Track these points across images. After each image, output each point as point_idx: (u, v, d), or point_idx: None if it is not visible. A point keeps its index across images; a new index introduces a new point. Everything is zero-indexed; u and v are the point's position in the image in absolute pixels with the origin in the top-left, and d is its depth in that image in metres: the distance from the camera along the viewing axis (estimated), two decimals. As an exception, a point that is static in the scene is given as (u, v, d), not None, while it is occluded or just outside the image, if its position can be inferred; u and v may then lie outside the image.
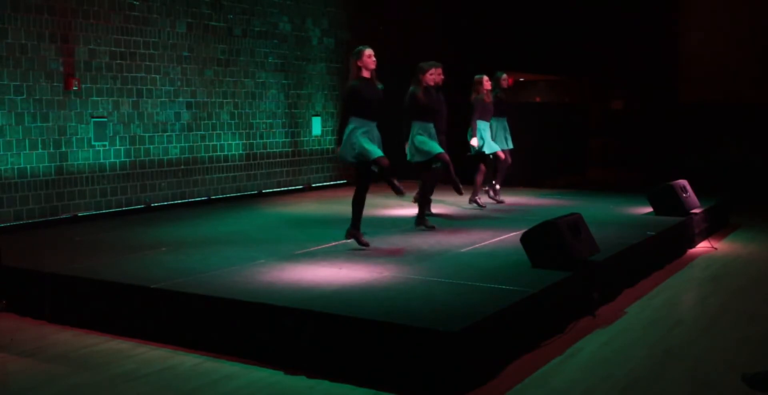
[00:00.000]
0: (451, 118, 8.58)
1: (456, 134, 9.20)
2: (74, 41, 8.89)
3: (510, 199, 10.02)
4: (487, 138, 9.38)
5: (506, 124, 9.94)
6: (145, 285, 5.43)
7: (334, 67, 12.71)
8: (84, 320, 5.63)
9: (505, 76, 9.95)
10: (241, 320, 4.98)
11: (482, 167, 9.53)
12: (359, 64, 6.69)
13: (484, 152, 9.37)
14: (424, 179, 8.08)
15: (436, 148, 7.75)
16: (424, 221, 7.85)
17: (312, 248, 6.83)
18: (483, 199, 9.57)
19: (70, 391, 4.42)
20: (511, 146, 9.93)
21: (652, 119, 15.03)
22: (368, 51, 6.72)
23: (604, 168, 15.98)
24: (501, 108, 9.79)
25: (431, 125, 7.86)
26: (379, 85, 6.77)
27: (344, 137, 6.62)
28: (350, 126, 6.62)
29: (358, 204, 6.79)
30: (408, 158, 7.93)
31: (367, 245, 6.80)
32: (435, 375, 4.27)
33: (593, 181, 14.43)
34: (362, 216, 6.83)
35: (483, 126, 9.35)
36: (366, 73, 6.71)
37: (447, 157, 7.76)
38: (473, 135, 9.21)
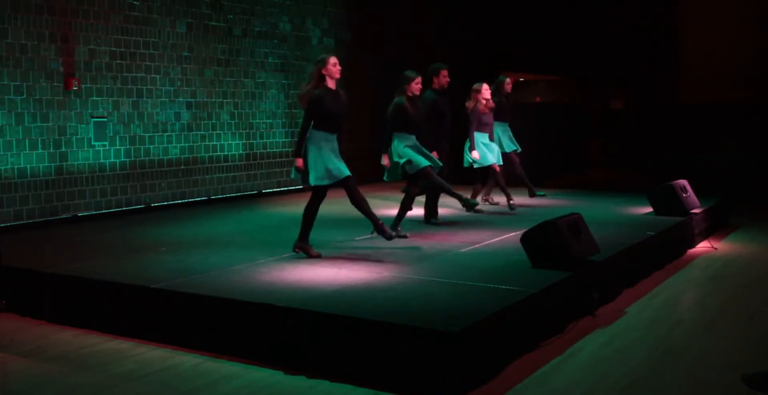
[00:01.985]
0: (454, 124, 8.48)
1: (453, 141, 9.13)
2: (74, 41, 8.89)
3: (496, 198, 10.00)
4: (483, 151, 9.07)
5: (508, 128, 9.78)
6: (145, 285, 5.43)
7: (334, 67, 12.69)
8: (84, 320, 5.63)
9: (508, 80, 9.72)
10: (241, 320, 4.98)
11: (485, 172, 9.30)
12: (323, 72, 6.38)
13: (482, 164, 9.08)
14: (410, 189, 7.67)
15: (423, 161, 7.40)
16: (396, 228, 7.42)
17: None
18: (481, 204, 9.35)
19: (70, 391, 4.42)
20: (511, 149, 9.76)
21: (652, 119, 15.03)
22: (333, 59, 6.44)
23: (604, 168, 15.98)
24: (505, 113, 9.63)
25: (414, 137, 7.48)
26: (342, 91, 6.49)
27: (307, 153, 6.31)
28: (311, 140, 6.33)
29: (309, 216, 6.53)
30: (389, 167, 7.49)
31: (318, 256, 6.48)
32: (435, 375, 4.27)
33: (593, 181, 14.42)
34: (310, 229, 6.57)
35: (480, 138, 9.06)
36: (330, 83, 6.42)
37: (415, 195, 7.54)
38: (472, 148, 8.93)
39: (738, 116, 13.78)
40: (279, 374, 4.65)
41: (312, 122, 6.35)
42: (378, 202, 9.72)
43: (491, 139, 9.37)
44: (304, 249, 6.52)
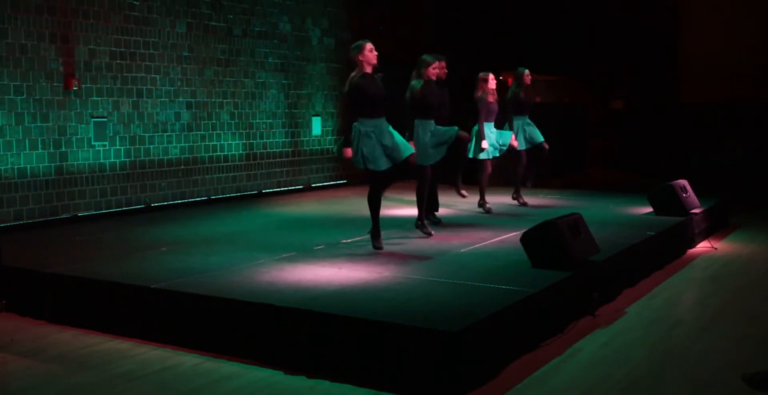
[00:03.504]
0: (452, 116, 8.38)
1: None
2: (74, 41, 8.89)
3: (510, 199, 9.98)
4: (492, 142, 8.92)
5: (529, 121, 9.58)
6: (145, 285, 5.43)
7: (334, 67, 12.71)
8: (84, 320, 5.63)
9: (527, 71, 9.54)
10: (241, 320, 4.98)
11: (487, 168, 9.06)
12: (361, 58, 6.50)
13: (486, 156, 8.92)
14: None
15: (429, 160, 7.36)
16: (423, 225, 7.46)
17: (312, 248, 6.83)
18: (489, 205, 9.18)
19: (70, 391, 4.42)
20: (524, 146, 9.54)
21: (652, 119, 15.04)
22: (369, 45, 6.53)
23: (604, 168, 15.98)
24: (524, 106, 9.49)
25: (432, 122, 7.47)
26: (379, 74, 6.57)
27: (352, 139, 6.43)
28: (357, 127, 6.44)
29: (372, 205, 6.65)
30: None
31: (380, 248, 6.66)
32: (435, 375, 4.27)
33: (593, 181, 14.43)
34: (378, 218, 6.68)
35: (487, 127, 8.90)
36: (368, 68, 6.52)
37: (428, 171, 7.37)
38: (481, 137, 8.75)
39: (738, 115, 13.79)
40: (279, 374, 4.65)
41: (355, 109, 6.43)
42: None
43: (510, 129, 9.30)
44: (373, 236, 6.67)
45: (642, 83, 15.17)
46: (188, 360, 4.89)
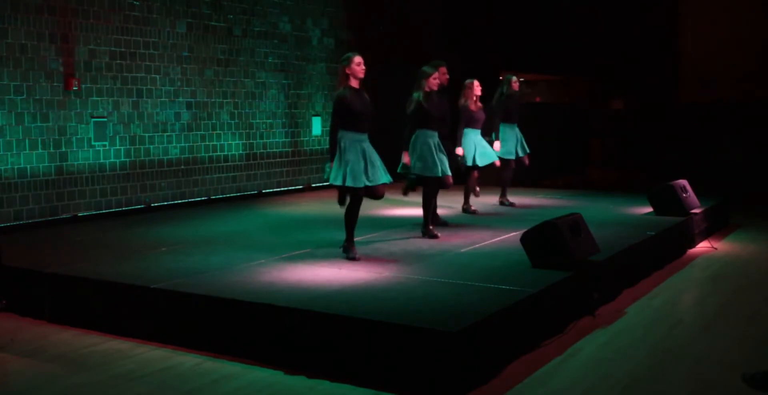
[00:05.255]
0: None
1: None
2: (74, 41, 8.89)
3: (511, 199, 9.97)
4: (481, 148, 8.88)
5: (518, 130, 9.55)
6: (145, 285, 5.43)
7: (334, 67, 12.69)
8: (84, 320, 5.63)
9: (515, 78, 9.50)
10: (241, 320, 4.98)
11: (474, 174, 9.04)
12: (347, 71, 6.32)
13: (476, 164, 8.87)
14: (425, 191, 7.58)
15: (445, 169, 7.31)
16: (428, 230, 7.43)
17: (312, 249, 6.83)
18: (475, 206, 9.21)
19: (70, 391, 4.43)
20: (520, 154, 9.56)
21: (652, 119, 15.05)
22: (358, 58, 6.33)
23: (604, 168, 16.00)
24: (512, 113, 9.46)
25: (436, 134, 7.38)
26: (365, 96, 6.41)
27: (337, 155, 6.29)
28: (340, 141, 6.28)
29: (349, 220, 6.44)
30: (400, 169, 7.42)
31: (355, 258, 6.37)
32: (435, 375, 4.27)
33: (593, 181, 14.43)
34: (353, 231, 6.47)
35: (471, 134, 8.83)
36: (354, 82, 6.35)
37: (450, 180, 7.41)
38: (458, 144, 8.66)
39: (738, 115, 13.80)
40: (279, 374, 4.65)
41: (339, 123, 6.28)
42: (379, 202, 9.70)
43: (496, 136, 9.30)
44: (347, 249, 6.43)
45: (642, 83, 15.19)
46: (188, 360, 4.89)
